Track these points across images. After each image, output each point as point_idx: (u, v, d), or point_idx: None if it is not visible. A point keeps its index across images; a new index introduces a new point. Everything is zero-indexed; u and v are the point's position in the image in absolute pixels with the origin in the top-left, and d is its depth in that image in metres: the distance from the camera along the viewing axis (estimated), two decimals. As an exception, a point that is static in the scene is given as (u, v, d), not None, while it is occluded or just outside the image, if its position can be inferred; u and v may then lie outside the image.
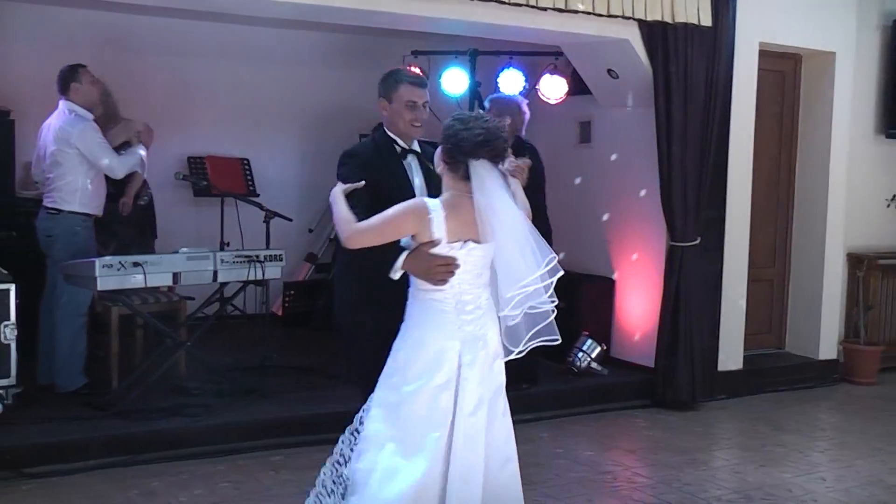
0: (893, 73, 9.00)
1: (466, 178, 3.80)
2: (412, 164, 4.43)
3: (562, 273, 3.77)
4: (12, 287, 5.78)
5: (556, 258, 3.76)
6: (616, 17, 6.98)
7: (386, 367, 3.94)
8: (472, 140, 3.78)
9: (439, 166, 3.93)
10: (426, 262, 3.83)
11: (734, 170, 7.92)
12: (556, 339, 3.86)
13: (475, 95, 8.45)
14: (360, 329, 4.36)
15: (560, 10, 6.70)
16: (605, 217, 8.31)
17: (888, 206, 9.23)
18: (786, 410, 7.76)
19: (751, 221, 8.14)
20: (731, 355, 8.09)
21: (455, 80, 8.61)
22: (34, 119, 7.27)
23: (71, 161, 6.65)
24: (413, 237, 3.86)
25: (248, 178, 9.29)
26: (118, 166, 6.84)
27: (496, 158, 3.82)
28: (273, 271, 6.92)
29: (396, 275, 3.90)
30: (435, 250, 3.82)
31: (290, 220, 7.88)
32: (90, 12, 8.48)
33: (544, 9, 6.63)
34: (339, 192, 4.06)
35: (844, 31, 8.53)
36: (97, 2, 7.74)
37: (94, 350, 6.95)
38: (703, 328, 7.71)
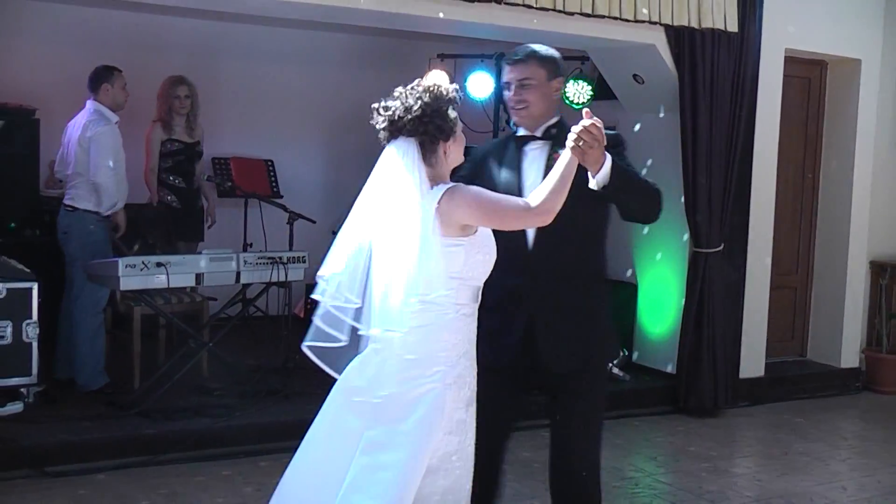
0: (920, 80, 8.95)
1: None
2: (530, 152, 3.92)
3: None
4: (34, 286, 5.71)
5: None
6: (643, 22, 6.96)
7: None
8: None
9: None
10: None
11: (758, 176, 7.88)
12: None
13: (500, 99, 8.44)
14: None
15: (587, 15, 6.67)
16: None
17: (912, 214, 9.16)
18: (808, 418, 7.72)
19: (774, 228, 8.11)
20: (753, 362, 8.05)
21: (481, 84, 8.66)
22: (59, 118, 7.31)
23: (88, 159, 6.65)
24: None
25: (273, 179, 9.30)
26: (107, 188, 6.63)
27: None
28: (296, 273, 6.93)
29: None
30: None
31: (314, 221, 7.87)
32: (116, 12, 8.51)
33: (571, 13, 6.61)
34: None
35: (871, 39, 8.50)
36: (123, 2, 7.77)
37: (115, 349, 6.98)
38: (725, 335, 7.67)
